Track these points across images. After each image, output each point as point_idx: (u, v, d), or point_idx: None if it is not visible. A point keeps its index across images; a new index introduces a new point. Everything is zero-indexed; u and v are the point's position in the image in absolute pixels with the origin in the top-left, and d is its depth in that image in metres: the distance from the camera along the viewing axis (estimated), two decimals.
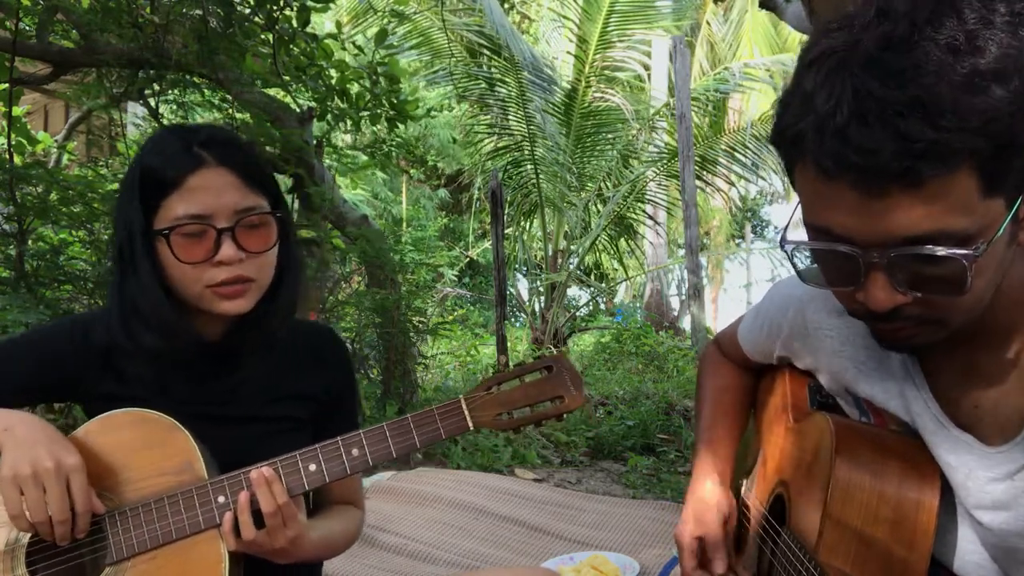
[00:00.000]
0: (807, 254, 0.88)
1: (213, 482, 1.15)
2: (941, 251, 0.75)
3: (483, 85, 8.40)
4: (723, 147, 8.63)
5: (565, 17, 9.14)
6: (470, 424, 1.18)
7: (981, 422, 0.93)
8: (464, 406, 1.18)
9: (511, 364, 1.23)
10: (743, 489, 1.40)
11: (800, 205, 0.84)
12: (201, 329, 1.25)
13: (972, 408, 0.93)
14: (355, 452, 1.17)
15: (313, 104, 4.07)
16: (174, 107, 4.25)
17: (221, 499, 1.14)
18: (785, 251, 0.87)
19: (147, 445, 1.17)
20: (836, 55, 0.75)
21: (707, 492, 1.24)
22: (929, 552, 0.96)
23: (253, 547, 1.14)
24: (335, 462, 1.17)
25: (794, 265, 0.89)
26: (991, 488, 0.92)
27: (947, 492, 0.99)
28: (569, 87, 8.81)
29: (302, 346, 1.36)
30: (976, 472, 0.93)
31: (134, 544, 1.14)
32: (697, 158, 7.93)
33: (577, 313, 10.04)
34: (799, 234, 0.87)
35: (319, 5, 3.53)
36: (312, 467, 1.16)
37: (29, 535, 1.14)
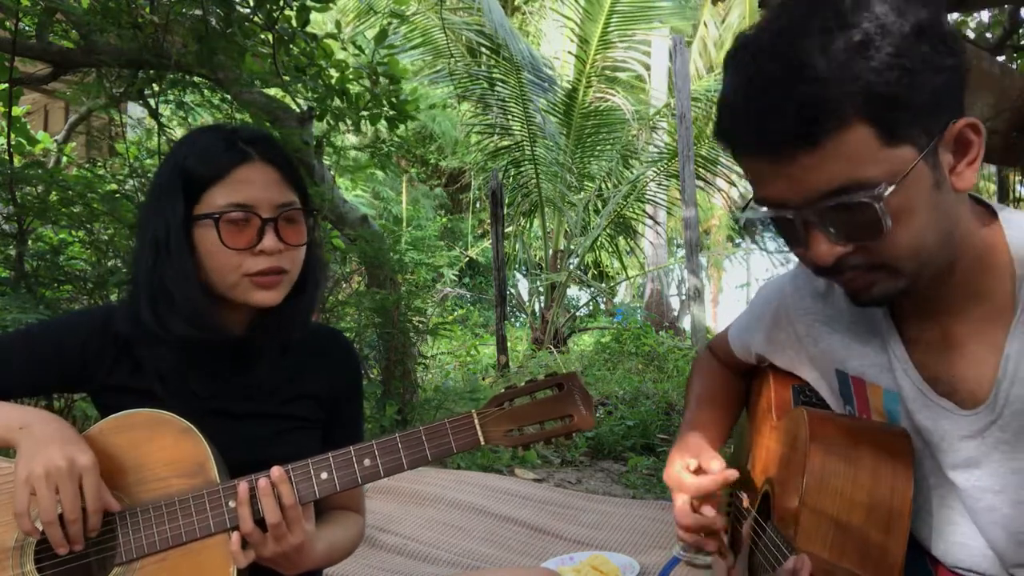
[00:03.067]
0: (771, 230, 0.97)
1: (225, 486, 1.16)
2: (851, 198, 0.84)
3: (483, 85, 8.40)
4: (723, 147, 8.60)
5: (566, 17, 9.15)
6: (481, 439, 1.19)
7: (957, 390, 0.99)
8: (476, 421, 1.19)
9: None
10: (735, 496, 1.41)
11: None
12: (225, 323, 1.26)
13: (950, 378, 0.99)
14: (367, 462, 1.18)
15: (313, 104, 4.07)
16: (174, 107, 4.24)
17: (232, 503, 1.15)
18: (739, 225, 0.95)
19: (160, 446, 1.18)
20: (742, 49, 0.87)
21: (692, 439, 1.24)
22: (906, 534, 0.99)
23: (260, 554, 1.14)
24: (346, 471, 1.17)
25: (751, 237, 0.99)
26: (963, 446, 0.98)
27: (925, 476, 1.04)
28: (569, 87, 8.82)
29: (316, 348, 1.38)
30: (950, 433, 0.99)
31: (144, 545, 1.15)
32: (697, 158, 7.93)
33: (577, 313, 10.04)
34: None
35: (319, 5, 3.53)
36: (324, 475, 1.17)
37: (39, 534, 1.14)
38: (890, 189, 0.83)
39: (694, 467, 1.18)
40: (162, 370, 1.25)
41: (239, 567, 1.14)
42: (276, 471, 1.15)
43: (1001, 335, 0.93)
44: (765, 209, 0.92)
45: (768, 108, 0.83)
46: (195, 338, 1.21)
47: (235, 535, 1.13)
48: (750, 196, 0.97)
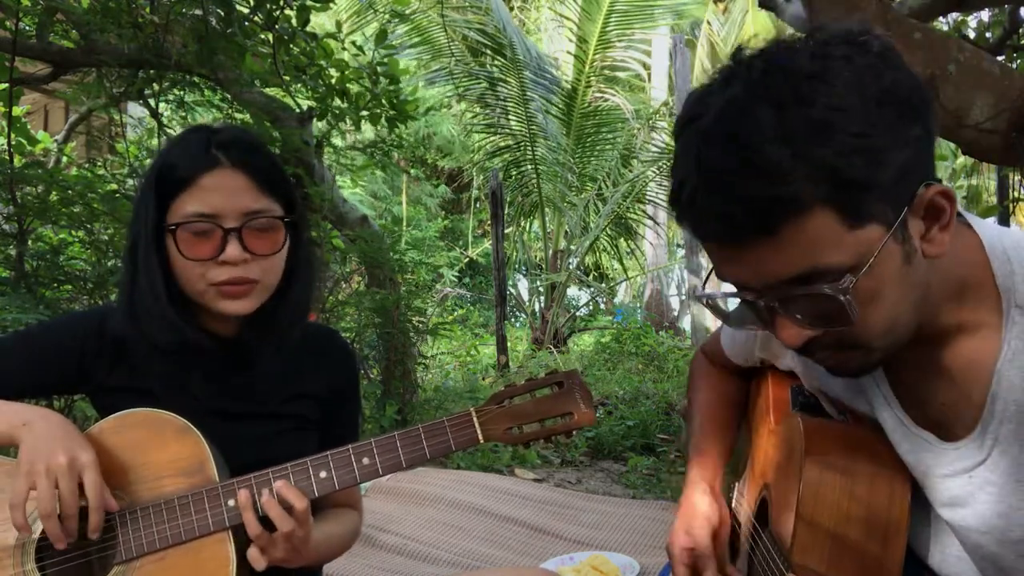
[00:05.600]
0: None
1: (224, 485, 1.16)
2: (814, 288, 0.79)
3: (484, 85, 8.40)
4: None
5: (565, 17, 9.14)
6: (480, 437, 1.19)
7: (948, 419, 0.93)
8: (475, 419, 1.19)
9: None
10: (735, 493, 1.41)
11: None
12: (214, 326, 1.26)
13: (940, 406, 0.94)
14: (366, 461, 1.17)
15: (313, 104, 4.07)
16: (174, 107, 4.24)
17: (231, 502, 1.15)
18: (701, 302, 0.92)
19: (160, 445, 1.18)
20: (690, 124, 0.81)
21: (697, 503, 1.24)
22: (903, 549, 0.97)
23: (271, 556, 1.14)
24: (345, 470, 1.17)
25: (714, 312, 0.94)
26: (948, 484, 0.93)
27: (919, 493, 1.00)
28: (569, 87, 8.82)
29: (314, 348, 1.37)
30: (932, 469, 0.95)
31: (143, 544, 1.15)
32: None
33: (577, 313, 10.04)
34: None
35: (319, 5, 3.53)
36: (323, 474, 1.17)
37: (39, 531, 1.14)
38: (855, 279, 0.78)
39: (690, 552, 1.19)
40: (159, 371, 1.25)
41: (258, 570, 1.14)
42: (280, 484, 1.14)
43: (987, 367, 0.87)
44: (727, 288, 0.86)
45: (720, 201, 0.77)
46: (174, 346, 1.21)
47: (253, 548, 1.13)
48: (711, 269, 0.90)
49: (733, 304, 0.93)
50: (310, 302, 1.35)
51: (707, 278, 0.93)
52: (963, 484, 0.92)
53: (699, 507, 1.23)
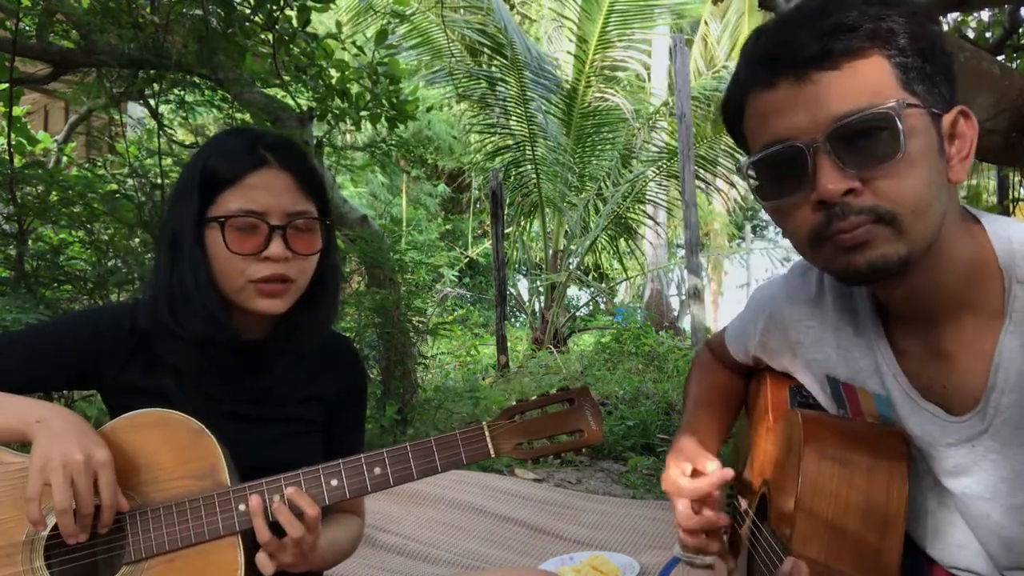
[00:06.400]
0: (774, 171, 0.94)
1: (235, 490, 1.16)
2: (872, 110, 0.85)
3: (483, 85, 8.40)
4: (723, 147, 8.63)
5: (565, 17, 9.15)
6: (492, 452, 1.19)
7: (950, 400, 0.99)
8: (487, 433, 1.20)
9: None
10: (738, 498, 1.41)
11: (751, 147, 0.96)
12: (242, 326, 1.26)
13: (941, 388, 0.99)
14: (377, 471, 1.18)
15: (313, 104, 4.07)
16: (174, 107, 4.24)
17: (242, 507, 1.15)
18: (742, 172, 0.97)
19: (172, 447, 1.18)
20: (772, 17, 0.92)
21: (687, 442, 1.22)
22: (901, 536, 0.99)
23: (280, 562, 1.14)
24: (356, 479, 1.18)
25: (750, 185, 0.98)
26: (952, 453, 0.99)
27: (921, 478, 1.04)
28: (569, 87, 8.83)
29: (324, 352, 1.38)
30: (938, 439, 1.00)
31: (152, 545, 1.15)
32: (697, 158, 7.93)
33: (577, 313, 10.05)
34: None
35: (319, 5, 3.53)
36: (334, 482, 1.18)
37: (48, 529, 1.14)
38: (908, 109, 0.85)
39: (690, 471, 1.17)
40: (179, 368, 1.25)
41: (265, 575, 1.14)
42: (292, 491, 1.15)
43: (990, 344, 0.93)
44: (774, 148, 0.90)
45: (789, 30, 0.89)
46: (213, 338, 1.22)
47: (262, 553, 1.13)
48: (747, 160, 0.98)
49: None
50: (338, 308, 1.36)
51: (748, 161, 0.96)
52: (967, 453, 0.97)
53: (693, 444, 1.21)
